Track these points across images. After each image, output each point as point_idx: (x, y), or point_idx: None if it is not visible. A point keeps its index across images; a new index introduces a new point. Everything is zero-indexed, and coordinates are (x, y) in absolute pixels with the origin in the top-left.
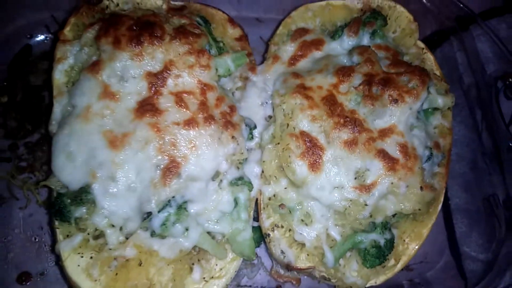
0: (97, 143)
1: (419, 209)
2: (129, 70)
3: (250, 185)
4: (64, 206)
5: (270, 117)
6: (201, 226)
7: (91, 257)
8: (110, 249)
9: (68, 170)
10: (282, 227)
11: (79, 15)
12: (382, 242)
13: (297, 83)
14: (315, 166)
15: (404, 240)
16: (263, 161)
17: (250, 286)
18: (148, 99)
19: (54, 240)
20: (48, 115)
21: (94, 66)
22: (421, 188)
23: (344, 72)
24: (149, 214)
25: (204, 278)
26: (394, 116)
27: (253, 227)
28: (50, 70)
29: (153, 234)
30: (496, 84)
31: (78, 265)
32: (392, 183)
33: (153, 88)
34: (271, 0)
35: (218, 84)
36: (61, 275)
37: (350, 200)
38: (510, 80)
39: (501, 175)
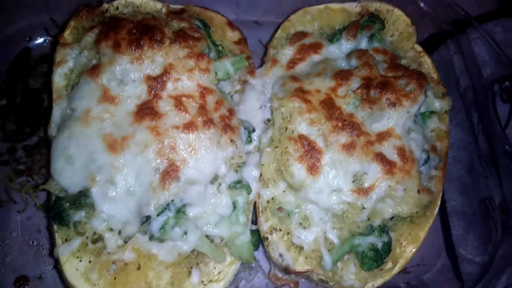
0: (97, 146)
1: (416, 212)
2: (129, 74)
3: (248, 189)
4: (63, 210)
5: (268, 120)
6: (200, 230)
7: (90, 261)
8: (109, 253)
9: (67, 174)
10: (280, 230)
11: (79, 19)
12: (379, 245)
13: (295, 86)
14: (313, 169)
15: (402, 243)
16: (262, 164)
17: None
18: (147, 102)
19: (52, 244)
20: (47, 118)
21: (94, 70)
22: (418, 191)
23: (342, 75)
24: (148, 217)
25: (202, 281)
26: (392, 119)
27: (251, 230)
28: (49, 73)
29: (151, 237)
30: (493, 87)
31: (77, 269)
32: (389, 186)
33: (153, 92)
34: (269, 3)
35: (217, 88)
36: (59, 279)
37: (348, 203)
38: (507, 83)
39: (497, 178)
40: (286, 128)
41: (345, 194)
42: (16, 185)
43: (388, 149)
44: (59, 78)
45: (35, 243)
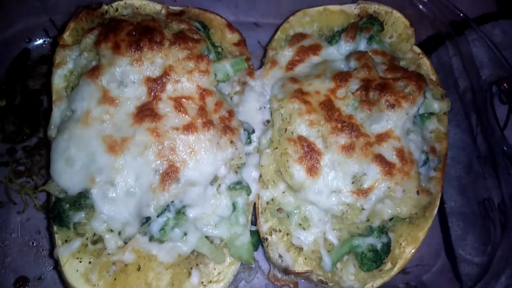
0: (97, 148)
1: (416, 213)
2: (129, 75)
3: (248, 190)
4: (63, 211)
5: (268, 121)
6: (200, 231)
7: (90, 262)
8: (109, 254)
9: (67, 175)
10: (280, 231)
11: (79, 20)
12: (379, 246)
13: (295, 88)
14: (312, 170)
15: (401, 244)
16: (261, 166)
17: None
18: (147, 104)
19: (52, 245)
20: (47, 119)
21: (93, 71)
22: (418, 192)
23: (342, 77)
24: (148, 219)
25: (202, 282)
26: (391, 121)
27: (251, 231)
28: (48, 74)
29: (151, 238)
30: (491, 88)
31: (77, 270)
32: (389, 187)
33: (153, 93)
34: (268, 5)
35: (217, 89)
36: (59, 280)
37: (348, 205)
38: (505, 85)
39: (496, 179)
40: (286, 129)
41: (344, 195)
42: (16, 186)
43: (387, 150)
44: (58, 80)
45: (34, 244)
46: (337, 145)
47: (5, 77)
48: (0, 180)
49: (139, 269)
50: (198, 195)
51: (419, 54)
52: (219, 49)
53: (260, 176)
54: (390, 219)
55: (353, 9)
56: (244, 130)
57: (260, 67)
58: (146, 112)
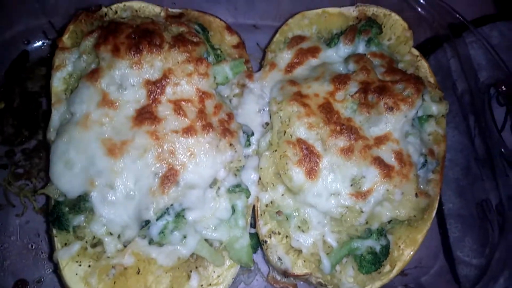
0: (96, 151)
1: (414, 216)
2: (128, 78)
3: (247, 192)
4: (62, 214)
5: (267, 124)
6: (199, 234)
7: (89, 266)
8: (108, 257)
9: (67, 178)
10: (279, 233)
11: (78, 23)
12: (377, 248)
13: (294, 90)
14: (311, 173)
15: (399, 246)
16: (261, 168)
17: None
18: (146, 107)
19: (51, 248)
20: (46, 122)
21: (93, 74)
22: (416, 195)
23: (340, 80)
24: (147, 222)
25: (202, 285)
26: (390, 123)
27: (250, 233)
28: (47, 76)
29: (151, 242)
30: (489, 91)
31: (76, 274)
32: (387, 190)
33: (152, 96)
34: (267, 7)
35: (216, 92)
36: (58, 283)
37: (347, 207)
38: (503, 87)
39: (494, 181)
40: (285, 132)
41: (343, 198)
42: (15, 188)
43: (386, 153)
44: (58, 82)
45: (34, 247)
46: (336, 147)
47: (4, 79)
48: None
49: (138, 272)
50: (198, 198)
51: (417, 56)
52: (218, 52)
53: (259, 178)
54: (389, 222)
55: (351, 11)
56: (243, 132)
57: (259, 69)
58: (145, 115)
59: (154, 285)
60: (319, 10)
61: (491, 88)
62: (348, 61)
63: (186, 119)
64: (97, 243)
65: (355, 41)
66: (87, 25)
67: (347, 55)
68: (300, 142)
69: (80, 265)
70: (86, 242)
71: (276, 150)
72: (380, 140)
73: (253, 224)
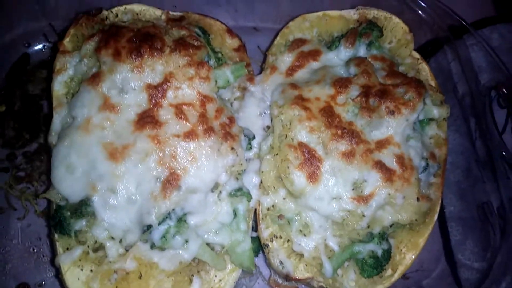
0: (97, 155)
1: (416, 220)
2: (129, 82)
3: (249, 196)
4: (64, 219)
5: (268, 127)
6: (201, 238)
7: (91, 270)
8: (110, 261)
9: (68, 182)
10: (281, 237)
11: (79, 26)
12: (379, 252)
13: (295, 94)
14: (313, 177)
15: (401, 250)
16: (262, 172)
17: None
18: (148, 111)
19: (53, 252)
20: (47, 125)
21: (94, 78)
22: (418, 199)
23: (342, 83)
24: (149, 226)
25: None
26: (391, 127)
27: (251, 237)
28: (48, 79)
29: (153, 246)
30: (490, 93)
31: (78, 278)
32: (389, 194)
33: (153, 100)
34: (268, 9)
35: (217, 95)
36: (60, 287)
37: (348, 211)
38: (504, 90)
39: (495, 183)
40: (286, 136)
41: (345, 202)
42: (16, 192)
43: (387, 157)
44: (59, 86)
45: (35, 250)
46: (338, 151)
47: (5, 82)
48: (0, 186)
49: (140, 277)
50: (199, 202)
51: (418, 59)
52: (219, 55)
53: (261, 182)
54: (391, 226)
55: (352, 14)
56: (245, 136)
57: (260, 72)
58: (147, 119)
59: None
60: (320, 13)
61: (492, 91)
62: (349, 65)
63: (188, 123)
64: (99, 247)
65: (356, 44)
66: (88, 28)
67: (348, 58)
68: (302, 146)
69: (82, 270)
70: (88, 246)
71: (277, 154)
72: (382, 144)
73: (255, 228)
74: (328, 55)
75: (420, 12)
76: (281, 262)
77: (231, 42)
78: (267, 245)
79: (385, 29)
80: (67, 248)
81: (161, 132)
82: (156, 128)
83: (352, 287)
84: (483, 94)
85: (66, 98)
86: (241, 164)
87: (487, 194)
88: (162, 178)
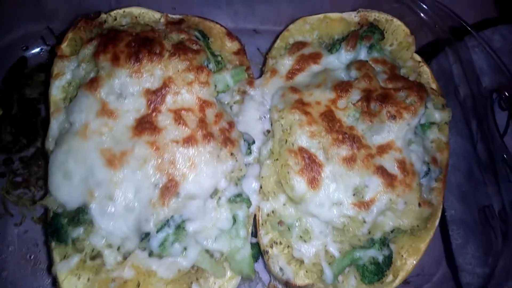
0: (95, 161)
1: (417, 225)
2: (128, 87)
3: (248, 202)
4: (61, 226)
5: (268, 131)
6: (200, 245)
7: (89, 279)
8: (108, 270)
9: (65, 189)
10: (281, 243)
11: (77, 30)
12: (380, 258)
13: (295, 98)
14: (314, 182)
15: (402, 255)
16: (262, 177)
17: None
18: (146, 116)
19: (50, 258)
20: (44, 129)
21: (92, 83)
22: (419, 204)
23: (342, 87)
24: (147, 234)
25: None
26: (392, 132)
27: (251, 242)
28: (46, 83)
29: (151, 254)
30: (492, 96)
31: (76, 287)
32: (390, 199)
33: (152, 105)
34: (268, 11)
35: (216, 99)
36: None
37: (349, 217)
38: (506, 94)
39: (496, 186)
40: (286, 141)
41: (345, 208)
42: (13, 197)
43: (388, 162)
44: (56, 91)
45: (32, 257)
46: (338, 157)
47: (2, 86)
48: None
49: (138, 285)
50: (198, 209)
51: (420, 62)
52: (219, 58)
53: (261, 187)
54: (392, 231)
55: (353, 17)
56: (244, 141)
57: (260, 75)
58: (145, 125)
59: None
60: (320, 16)
61: (493, 93)
62: (350, 68)
63: (187, 129)
64: (96, 255)
65: (357, 48)
66: (86, 32)
67: (349, 61)
68: (302, 151)
69: (79, 279)
70: (85, 254)
71: (277, 159)
72: (383, 149)
73: (254, 233)
74: (328, 58)
75: (421, 14)
76: (281, 269)
77: (231, 45)
78: (267, 251)
79: (386, 32)
80: (64, 256)
81: (160, 138)
82: (155, 134)
83: None
84: (485, 97)
85: (64, 103)
86: (241, 170)
87: (488, 197)
88: (161, 185)
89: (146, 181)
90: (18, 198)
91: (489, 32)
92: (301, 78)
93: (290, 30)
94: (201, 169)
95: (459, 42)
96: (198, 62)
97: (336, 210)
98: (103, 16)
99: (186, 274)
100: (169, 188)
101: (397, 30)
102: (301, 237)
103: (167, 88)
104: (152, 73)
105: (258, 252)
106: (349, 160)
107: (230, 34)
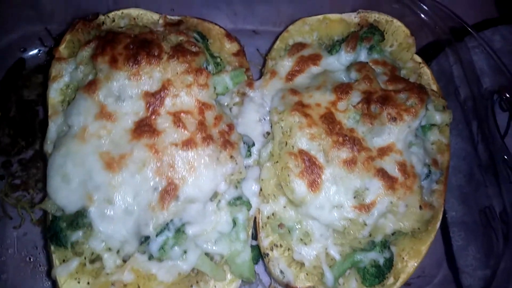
0: (94, 164)
1: (418, 228)
2: (126, 90)
3: (248, 205)
4: (60, 230)
5: (268, 133)
6: (200, 248)
7: (88, 283)
8: (108, 273)
9: (64, 193)
10: (281, 246)
11: (75, 32)
12: (381, 261)
13: (295, 100)
14: (314, 185)
15: (403, 258)
16: (262, 180)
17: None
18: (145, 119)
19: (49, 261)
20: (42, 131)
21: (90, 86)
22: (420, 207)
23: (343, 89)
24: (147, 237)
25: None
26: (393, 134)
27: (251, 245)
28: (44, 84)
29: (151, 257)
30: (492, 97)
31: None
32: (391, 202)
33: (151, 108)
34: (267, 12)
35: (216, 101)
36: None
37: (350, 220)
38: (506, 94)
39: (497, 187)
40: (286, 143)
41: (346, 210)
42: (12, 200)
43: (389, 164)
44: (54, 94)
45: (31, 260)
46: (339, 159)
47: (0, 88)
48: None
49: None
50: (198, 212)
51: (420, 63)
52: (218, 60)
53: (261, 190)
54: (393, 234)
55: (353, 18)
56: (244, 143)
57: (259, 76)
58: (144, 128)
59: None
60: (320, 17)
61: (494, 94)
62: (350, 70)
63: (186, 131)
64: (95, 259)
65: (357, 49)
66: (84, 34)
67: (349, 62)
68: (302, 153)
69: (79, 282)
70: (85, 258)
71: (277, 161)
72: (383, 151)
73: (255, 236)
74: (328, 59)
75: (421, 14)
76: (281, 271)
77: (230, 47)
78: (267, 254)
79: (386, 33)
80: (64, 260)
81: (159, 140)
82: (154, 137)
83: None
84: (485, 98)
85: (62, 105)
86: (241, 173)
87: (489, 198)
88: (160, 188)
89: (145, 184)
90: (17, 201)
91: (490, 32)
92: (301, 79)
93: (289, 31)
94: (201, 172)
95: (460, 43)
96: (197, 64)
97: (336, 212)
98: (101, 17)
99: (186, 278)
100: (169, 192)
101: (397, 31)
102: (301, 239)
103: (166, 91)
104: (151, 76)
105: (259, 255)
106: (350, 163)
107: (229, 35)
